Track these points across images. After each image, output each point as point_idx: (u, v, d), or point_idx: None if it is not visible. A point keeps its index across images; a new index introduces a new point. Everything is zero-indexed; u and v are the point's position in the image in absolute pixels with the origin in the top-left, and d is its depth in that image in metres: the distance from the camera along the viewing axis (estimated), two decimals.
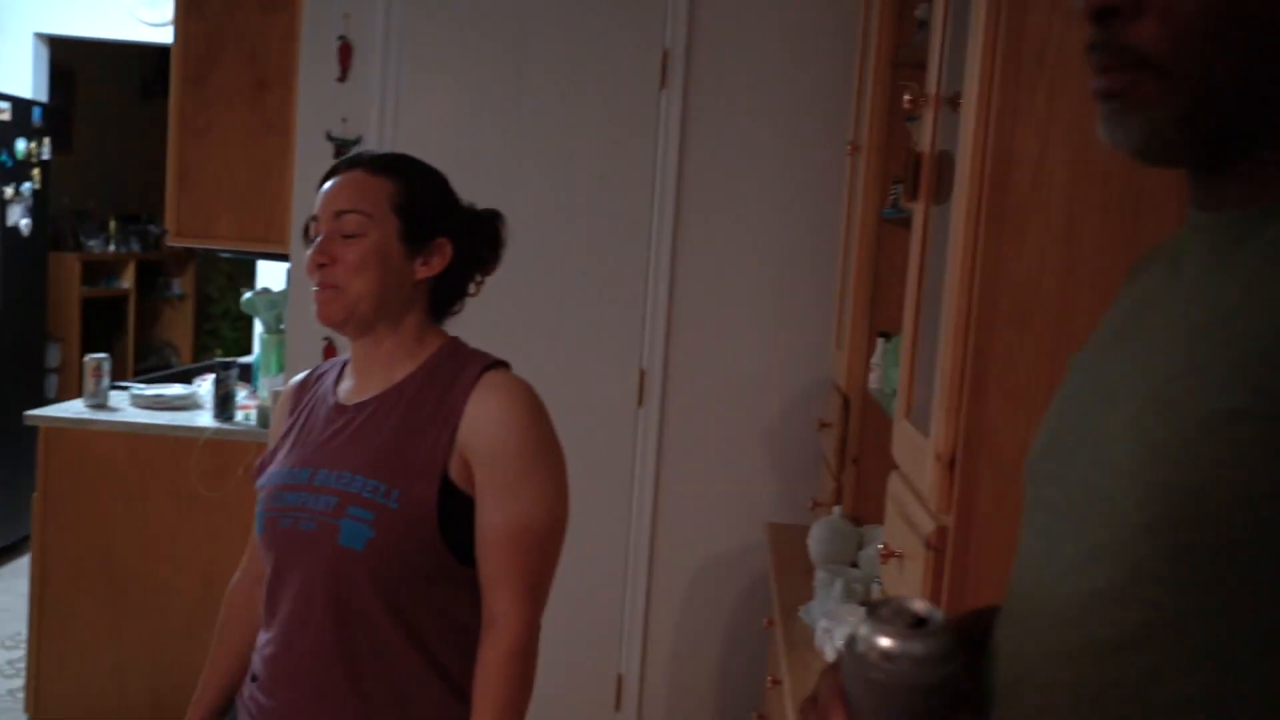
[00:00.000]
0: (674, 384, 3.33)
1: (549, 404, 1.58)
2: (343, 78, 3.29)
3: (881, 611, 0.75)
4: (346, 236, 1.52)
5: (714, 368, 3.32)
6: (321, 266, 1.51)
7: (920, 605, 0.75)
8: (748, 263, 3.30)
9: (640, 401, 3.34)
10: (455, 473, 1.50)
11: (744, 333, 3.31)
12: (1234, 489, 0.59)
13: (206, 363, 5.28)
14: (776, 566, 2.81)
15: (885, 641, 0.73)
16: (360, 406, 1.56)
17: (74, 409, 3.58)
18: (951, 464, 1.45)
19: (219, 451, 3.38)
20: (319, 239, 1.53)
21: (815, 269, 3.27)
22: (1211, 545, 0.60)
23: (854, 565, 2.53)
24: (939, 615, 0.75)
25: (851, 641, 0.75)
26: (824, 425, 3.08)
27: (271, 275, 4.86)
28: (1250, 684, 0.60)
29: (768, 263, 3.30)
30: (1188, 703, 0.62)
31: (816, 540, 2.59)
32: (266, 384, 3.57)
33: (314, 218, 1.56)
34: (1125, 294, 0.84)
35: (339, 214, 1.53)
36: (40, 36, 5.78)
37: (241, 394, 3.61)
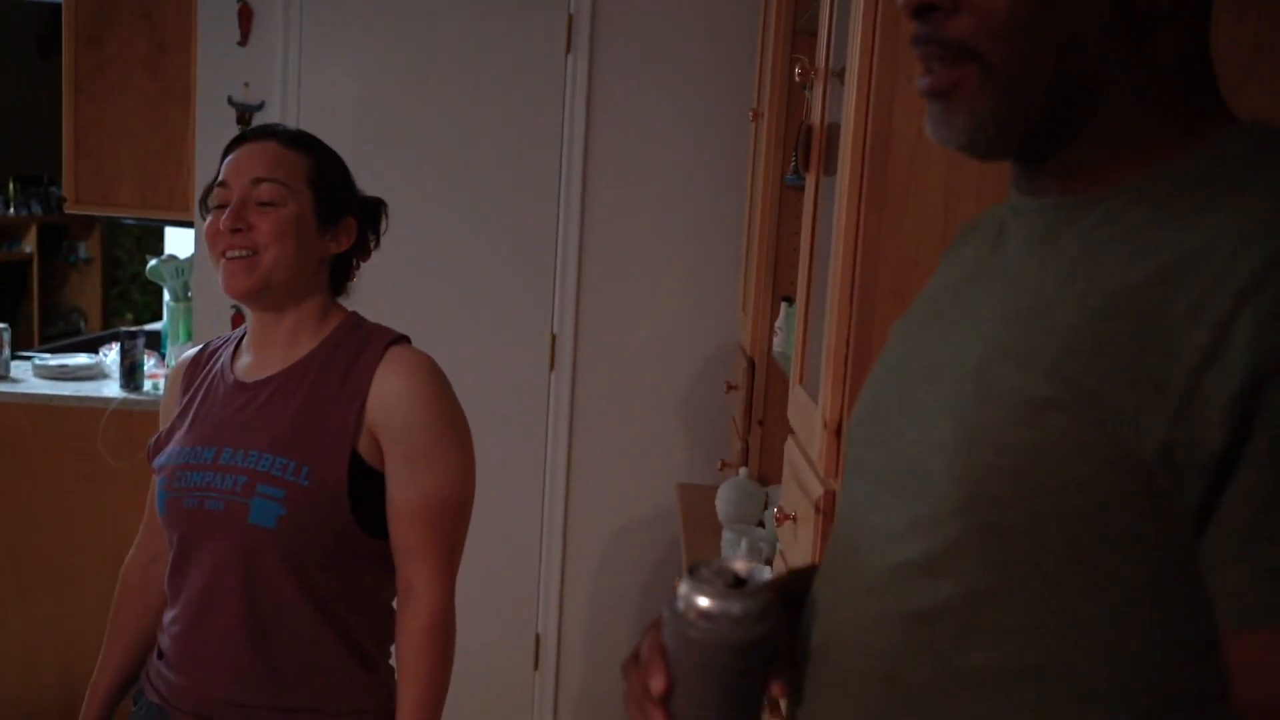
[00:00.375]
0: (585, 348, 3.36)
1: (462, 370, 1.60)
2: (244, 42, 3.23)
3: (701, 571, 0.77)
4: (263, 204, 1.50)
5: (624, 331, 3.35)
6: (236, 232, 1.50)
7: (740, 565, 0.77)
8: (656, 227, 3.32)
9: (552, 365, 3.36)
10: (364, 448, 1.51)
11: (653, 296, 3.34)
12: (1041, 476, 0.62)
13: (112, 331, 5.17)
14: (687, 526, 2.86)
15: (703, 601, 0.75)
16: (262, 384, 1.56)
17: None
18: (838, 431, 1.49)
19: (127, 422, 3.32)
20: (231, 205, 1.51)
21: (723, 233, 3.30)
22: (1018, 527, 0.64)
23: (760, 525, 2.59)
24: (758, 575, 0.77)
25: (672, 600, 0.77)
26: (731, 388, 3.12)
27: (179, 241, 4.76)
28: (1050, 660, 0.64)
29: (676, 227, 3.32)
30: (988, 673, 0.65)
31: (724, 500, 2.64)
32: (175, 353, 3.52)
33: (222, 183, 1.54)
34: (946, 265, 0.87)
35: (257, 181, 1.51)
36: None
37: (150, 363, 3.56)
